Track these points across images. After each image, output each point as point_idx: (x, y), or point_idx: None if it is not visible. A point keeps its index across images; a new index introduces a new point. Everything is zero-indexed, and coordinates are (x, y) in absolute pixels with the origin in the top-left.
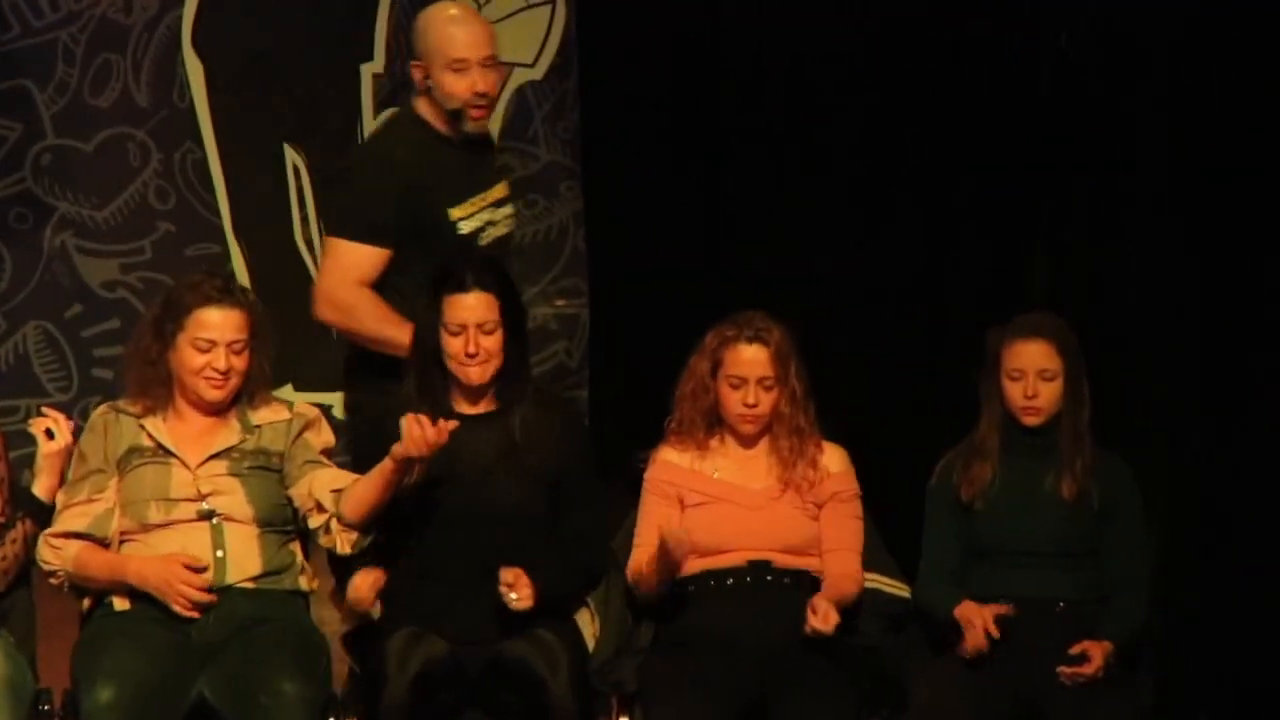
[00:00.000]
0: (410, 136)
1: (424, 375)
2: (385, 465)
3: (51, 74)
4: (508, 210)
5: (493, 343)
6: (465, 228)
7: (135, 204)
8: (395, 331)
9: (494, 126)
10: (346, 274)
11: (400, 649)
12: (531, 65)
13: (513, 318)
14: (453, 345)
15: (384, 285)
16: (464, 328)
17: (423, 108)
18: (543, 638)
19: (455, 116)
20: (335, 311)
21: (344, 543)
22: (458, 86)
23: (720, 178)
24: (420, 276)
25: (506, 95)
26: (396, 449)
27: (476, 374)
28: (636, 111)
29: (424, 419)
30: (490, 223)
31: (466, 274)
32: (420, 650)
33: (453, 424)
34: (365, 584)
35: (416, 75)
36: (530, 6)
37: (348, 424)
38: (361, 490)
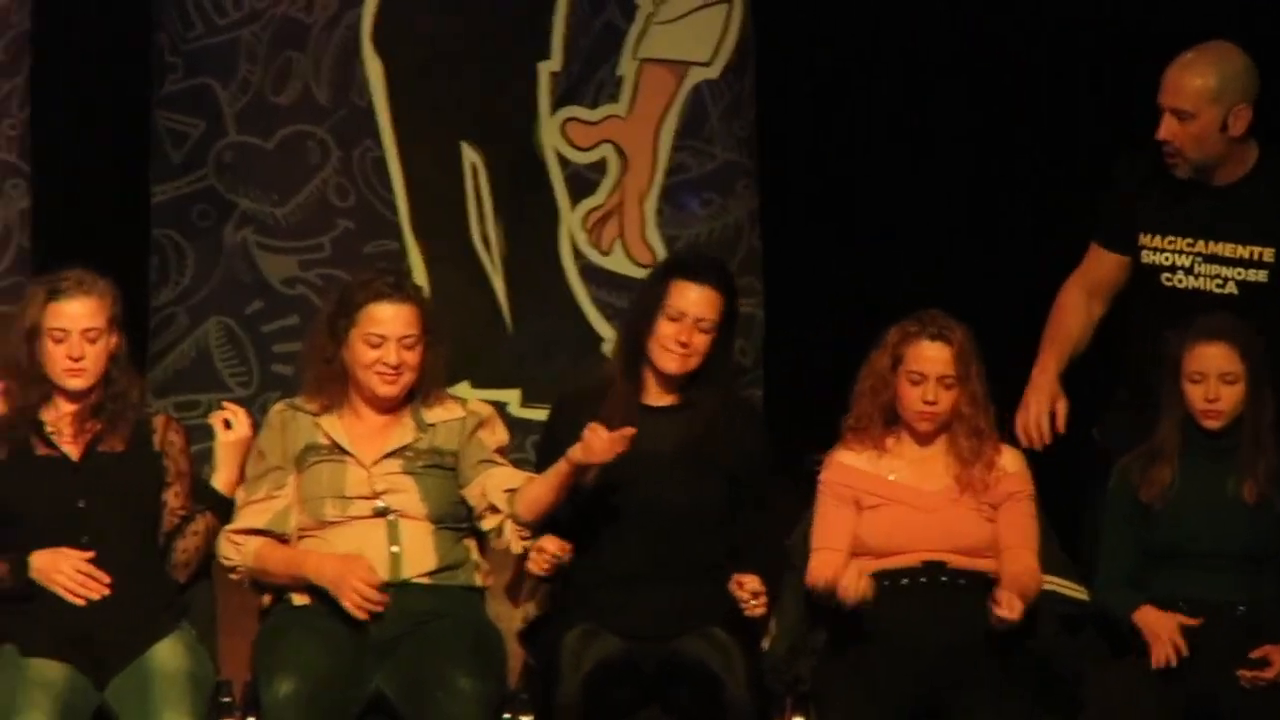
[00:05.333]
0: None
1: (631, 355)
2: (561, 468)
3: (234, 72)
4: (1226, 271)
5: (703, 341)
6: (1145, 258)
7: (315, 201)
8: (1046, 348)
9: (671, 127)
10: (1078, 271)
11: (574, 646)
12: (708, 64)
13: (728, 321)
14: (666, 329)
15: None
16: (683, 315)
17: None
18: (718, 636)
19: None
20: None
21: (517, 543)
22: (1159, 128)
23: (896, 175)
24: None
25: (683, 94)
26: (574, 454)
27: (677, 364)
28: (813, 109)
29: (602, 428)
30: (1184, 269)
31: (701, 266)
32: (594, 647)
33: (630, 430)
34: (552, 544)
35: None
36: (707, 5)
37: None
38: (537, 491)
